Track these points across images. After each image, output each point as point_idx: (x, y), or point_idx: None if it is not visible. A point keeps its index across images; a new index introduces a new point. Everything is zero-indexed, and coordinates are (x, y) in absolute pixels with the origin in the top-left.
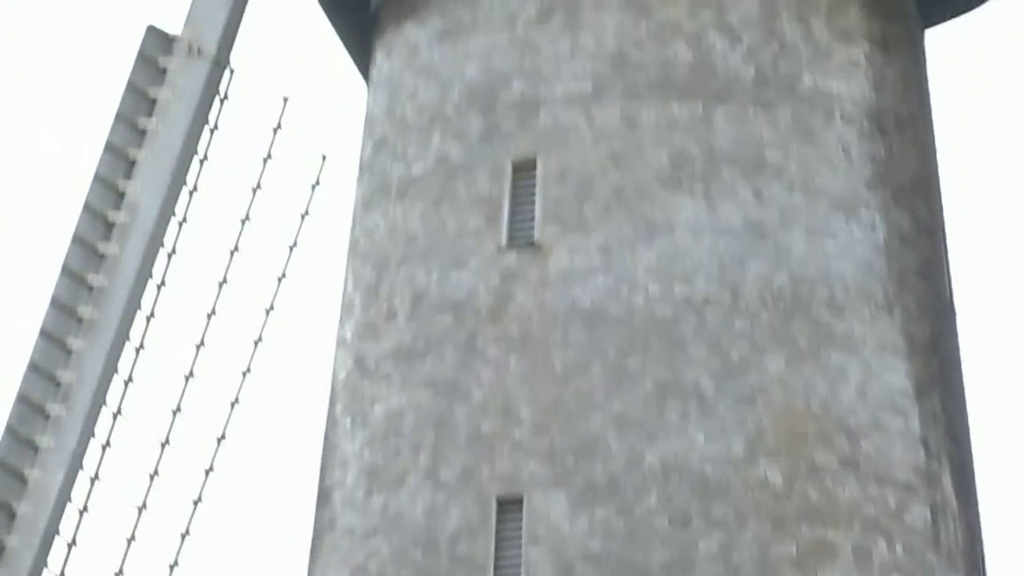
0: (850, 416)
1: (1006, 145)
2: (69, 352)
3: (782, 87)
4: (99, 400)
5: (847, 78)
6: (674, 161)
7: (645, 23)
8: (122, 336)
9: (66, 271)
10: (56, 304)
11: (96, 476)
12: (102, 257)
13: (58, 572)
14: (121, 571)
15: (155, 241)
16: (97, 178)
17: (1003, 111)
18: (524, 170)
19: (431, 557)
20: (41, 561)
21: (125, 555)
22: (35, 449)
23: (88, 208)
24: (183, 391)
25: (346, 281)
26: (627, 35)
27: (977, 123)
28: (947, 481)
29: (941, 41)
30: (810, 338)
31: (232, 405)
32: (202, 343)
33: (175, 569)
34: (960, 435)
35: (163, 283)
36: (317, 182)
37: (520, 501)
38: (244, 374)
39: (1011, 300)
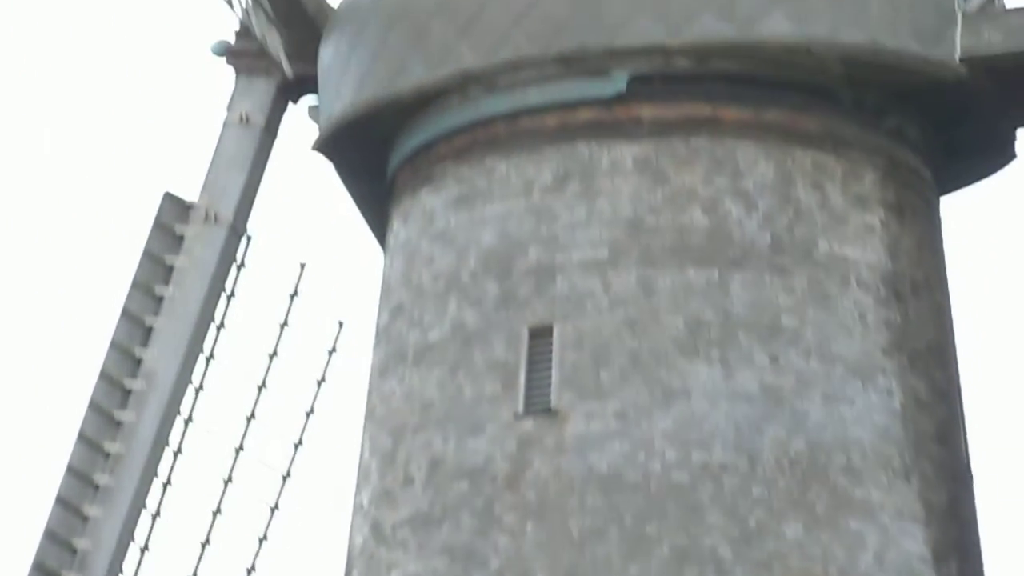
0: None
1: (1022, 309)
2: (85, 519)
3: (798, 253)
4: (115, 568)
5: (863, 244)
6: (690, 327)
7: (661, 190)
8: (138, 503)
9: (82, 438)
10: (72, 471)
11: None
12: (119, 424)
13: None
14: None
15: (172, 408)
16: (114, 345)
17: (1019, 276)
18: (540, 336)
19: None
20: None
21: None
22: None
23: (104, 375)
24: (199, 558)
25: (362, 447)
26: (643, 201)
27: (993, 287)
28: None
29: (957, 207)
30: (828, 504)
31: (248, 572)
32: (219, 510)
33: None
34: None
35: (179, 450)
36: (334, 349)
37: None
38: (260, 541)
39: None
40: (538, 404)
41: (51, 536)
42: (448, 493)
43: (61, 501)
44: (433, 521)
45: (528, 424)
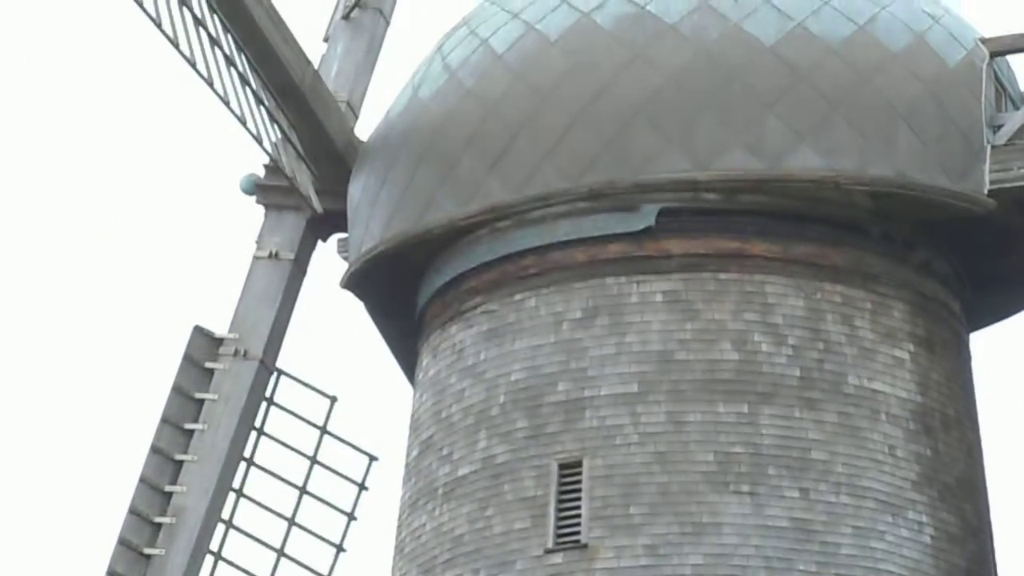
0: None
1: None
2: None
3: (827, 387)
4: None
5: (892, 378)
6: (720, 461)
7: (690, 324)
8: None
9: (112, 574)
10: None
11: None
12: (148, 559)
13: None
14: None
15: (201, 544)
16: (143, 480)
17: None
18: (570, 470)
19: None
20: None
21: None
22: None
23: (133, 511)
24: None
25: None
26: (672, 336)
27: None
28: None
29: (988, 342)
30: None
31: None
32: None
33: None
34: None
35: None
36: (364, 485)
37: None
38: None
39: None
40: (568, 539)
41: None
42: None
43: None
44: None
45: (558, 559)
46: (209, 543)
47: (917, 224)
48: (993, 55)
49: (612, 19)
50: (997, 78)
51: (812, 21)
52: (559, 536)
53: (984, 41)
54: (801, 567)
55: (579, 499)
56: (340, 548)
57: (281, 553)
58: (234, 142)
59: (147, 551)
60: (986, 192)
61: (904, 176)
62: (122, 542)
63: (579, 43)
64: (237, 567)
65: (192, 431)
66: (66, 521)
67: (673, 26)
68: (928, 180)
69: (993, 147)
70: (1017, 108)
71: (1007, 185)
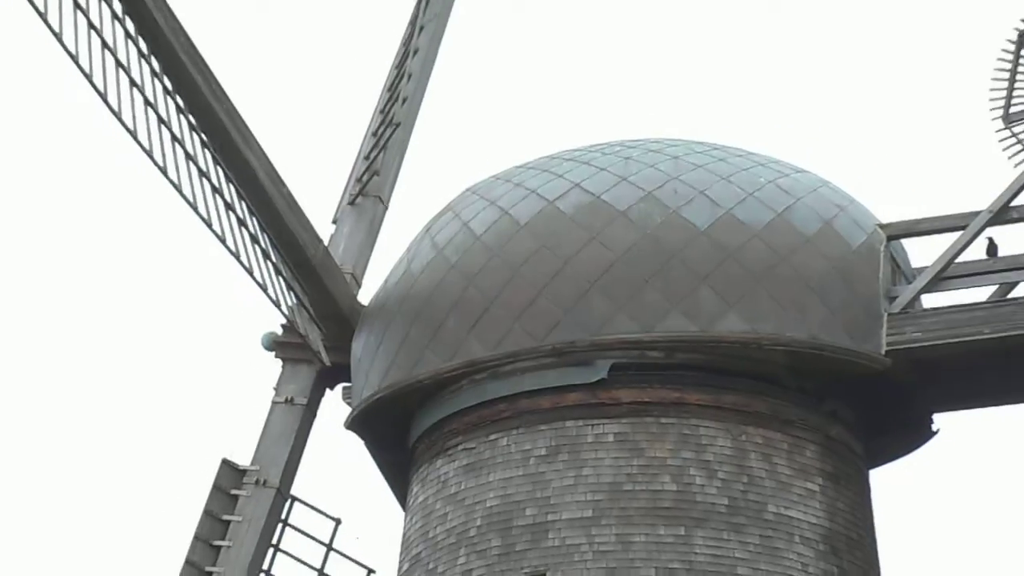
0: None
1: (941, 563)
2: None
3: (751, 514)
4: None
5: (805, 507)
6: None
7: (636, 460)
8: None
9: None
10: None
11: None
12: None
13: None
14: None
15: None
16: None
17: (935, 535)
18: None
19: None
20: None
21: None
22: None
23: None
24: None
25: None
26: (621, 470)
27: (916, 544)
28: None
29: (885, 477)
30: None
31: None
32: None
33: None
34: None
35: None
36: None
37: None
38: None
39: None
40: None
41: None
42: None
43: None
44: None
45: None
46: None
47: (826, 379)
48: (889, 238)
49: (572, 206)
50: (892, 257)
51: (739, 209)
52: None
53: (882, 226)
54: None
55: None
56: None
57: None
58: (256, 304)
59: None
60: (883, 352)
61: (815, 339)
62: None
63: (545, 226)
64: None
65: (220, 547)
66: None
67: (623, 212)
68: (835, 342)
69: (889, 315)
70: (909, 282)
71: (901, 347)
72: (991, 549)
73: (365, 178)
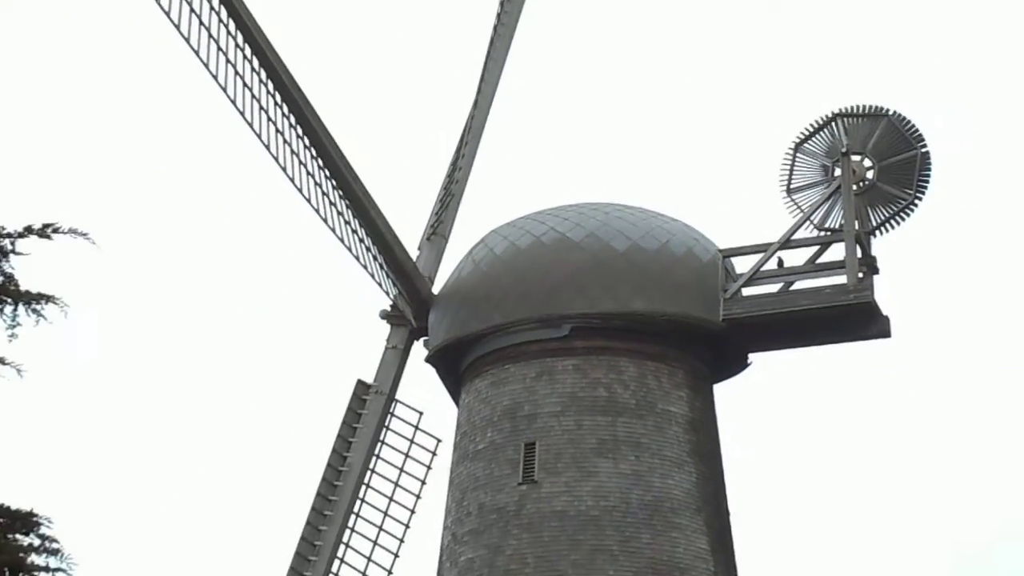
0: None
1: (757, 435)
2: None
3: (648, 409)
4: None
5: (678, 405)
6: (600, 441)
7: (584, 379)
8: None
9: (308, 525)
10: (303, 539)
11: None
12: (326, 516)
13: None
14: None
15: (350, 508)
16: (324, 479)
17: (754, 425)
18: (531, 448)
19: None
20: None
21: None
22: None
23: (320, 495)
24: None
25: (447, 500)
26: (576, 385)
27: (739, 427)
28: None
29: (721, 388)
30: (662, 523)
31: None
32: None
33: None
34: None
35: (354, 526)
36: (435, 451)
37: None
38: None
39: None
40: (529, 478)
41: None
42: (487, 519)
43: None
44: (480, 532)
45: (524, 487)
46: (354, 507)
47: (690, 334)
48: (724, 256)
49: (549, 240)
50: (725, 268)
51: (641, 241)
52: (525, 477)
53: (720, 250)
54: (636, 491)
55: (533, 462)
56: (419, 497)
57: (391, 498)
58: (377, 296)
59: (327, 512)
60: (720, 320)
61: (684, 313)
62: (313, 511)
63: (534, 251)
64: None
65: (351, 442)
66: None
67: (577, 243)
68: (694, 314)
69: (724, 300)
70: (735, 281)
71: (730, 317)
72: (783, 433)
73: (435, 226)
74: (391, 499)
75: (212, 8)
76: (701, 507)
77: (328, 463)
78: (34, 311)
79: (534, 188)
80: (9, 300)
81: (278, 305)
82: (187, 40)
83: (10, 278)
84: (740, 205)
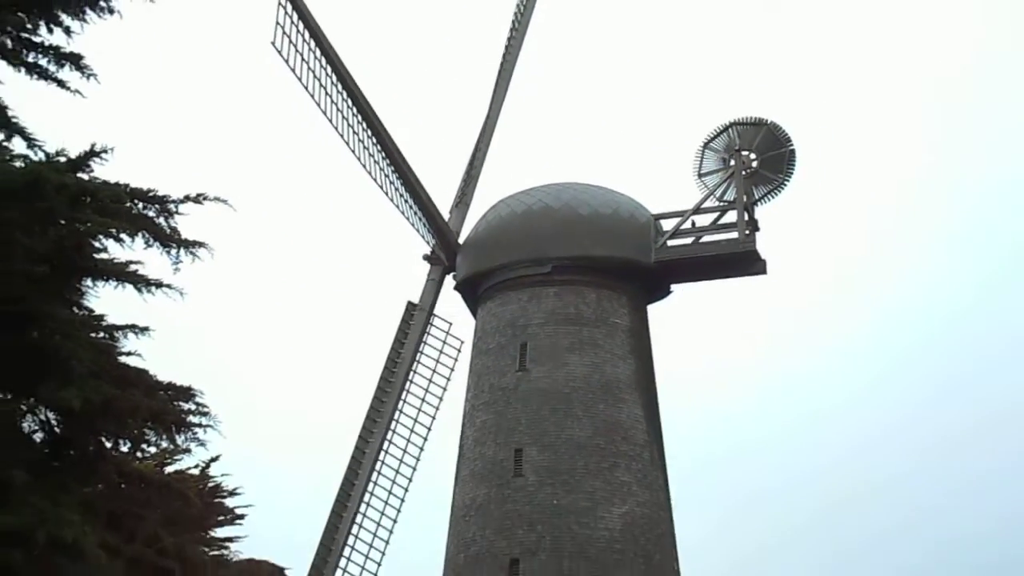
0: None
1: (675, 340)
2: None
3: (603, 321)
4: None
5: (622, 318)
6: (571, 343)
7: (559, 302)
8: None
9: (375, 398)
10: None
11: None
12: (376, 421)
13: None
14: None
15: (404, 383)
16: (385, 368)
17: (673, 333)
18: (524, 347)
19: None
20: None
21: None
22: None
23: (377, 397)
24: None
25: (467, 384)
26: (554, 305)
27: (663, 334)
28: None
29: (652, 308)
30: (611, 399)
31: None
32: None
33: None
34: None
35: (406, 399)
36: (459, 352)
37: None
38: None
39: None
40: (523, 367)
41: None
42: (495, 395)
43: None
44: (490, 403)
45: (520, 373)
46: (398, 404)
47: (632, 271)
48: (655, 218)
49: (538, 207)
50: (656, 226)
51: (599, 208)
52: (520, 366)
53: (653, 214)
54: (596, 376)
55: (526, 353)
56: (446, 389)
57: (426, 390)
58: (421, 244)
59: (377, 420)
60: (652, 261)
61: (627, 257)
62: (368, 416)
63: (527, 215)
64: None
65: (406, 334)
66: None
67: (557, 209)
68: (635, 258)
69: (655, 248)
70: (662, 235)
71: (658, 260)
72: (694, 338)
73: (460, 197)
74: (430, 381)
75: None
76: (636, 387)
77: (388, 357)
78: (191, 253)
79: (529, 170)
80: (174, 245)
81: (360, 255)
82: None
83: (175, 230)
84: (667, 184)
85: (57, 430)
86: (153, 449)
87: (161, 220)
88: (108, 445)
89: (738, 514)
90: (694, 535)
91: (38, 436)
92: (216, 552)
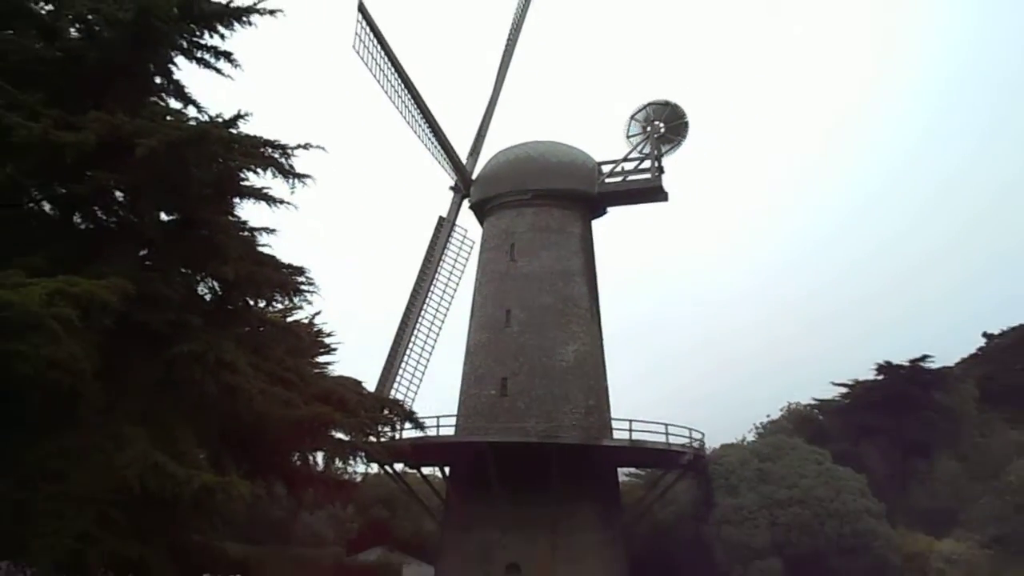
0: None
1: (609, 243)
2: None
3: (566, 230)
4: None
5: (575, 228)
6: (541, 243)
7: (538, 219)
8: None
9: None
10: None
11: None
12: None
13: None
14: None
15: (434, 275)
16: (421, 268)
17: (608, 239)
18: (512, 246)
19: None
20: None
21: None
22: None
23: (417, 289)
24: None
25: (475, 280)
26: (533, 219)
27: (601, 239)
28: None
29: (596, 222)
30: (570, 319)
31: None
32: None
33: None
34: None
35: (433, 283)
36: (471, 249)
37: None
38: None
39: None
40: (512, 259)
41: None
42: (494, 278)
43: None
44: (491, 283)
45: (510, 263)
46: (427, 292)
47: (582, 198)
48: (599, 164)
49: (524, 156)
50: (598, 169)
51: (563, 157)
52: (510, 260)
53: (597, 162)
54: (559, 286)
55: (515, 252)
56: (460, 277)
57: (451, 271)
58: (447, 179)
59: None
60: (596, 192)
61: (579, 188)
62: (411, 302)
63: (516, 161)
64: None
65: (436, 238)
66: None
67: (535, 158)
68: (584, 189)
69: (597, 183)
70: (602, 175)
71: (600, 191)
72: (620, 243)
73: (473, 148)
74: (453, 266)
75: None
76: (583, 273)
77: (426, 251)
78: (301, 181)
79: (518, 131)
80: (291, 176)
81: (405, 189)
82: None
83: (292, 167)
84: (607, 141)
85: (219, 293)
86: (279, 305)
87: (282, 160)
88: (251, 303)
89: (656, 366)
90: (627, 371)
91: (207, 297)
92: (318, 371)
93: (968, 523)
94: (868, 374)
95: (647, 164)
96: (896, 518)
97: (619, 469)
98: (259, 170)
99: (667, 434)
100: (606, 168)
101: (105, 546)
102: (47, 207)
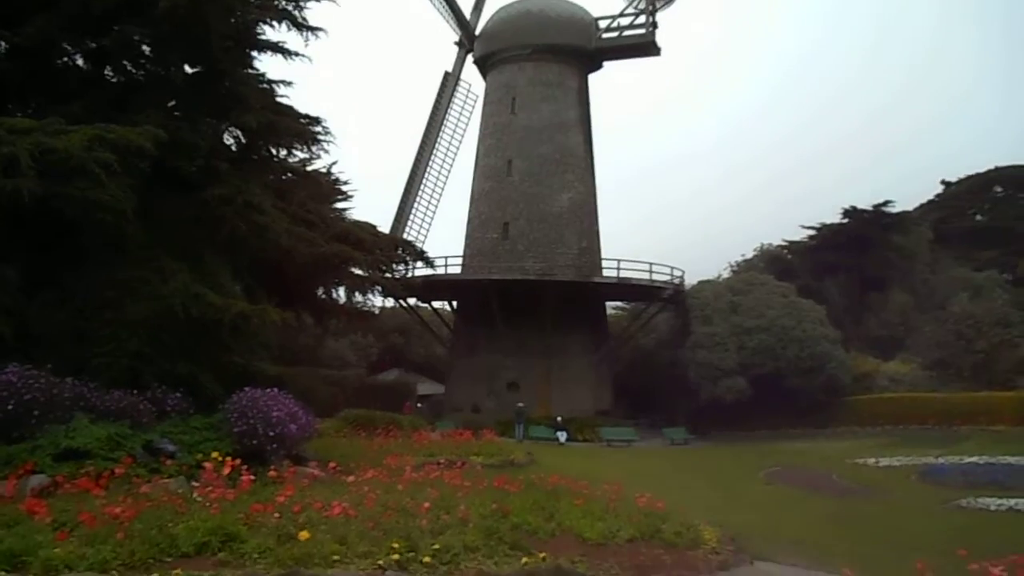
0: None
1: (603, 95)
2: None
3: (560, 84)
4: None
5: (573, 82)
6: (541, 96)
7: (536, 70)
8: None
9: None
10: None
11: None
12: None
13: None
14: None
15: (440, 125)
16: (430, 118)
17: (601, 91)
18: (513, 100)
19: None
20: None
21: None
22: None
23: (427, 138)
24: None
25: (477, 142)
26: (533, 72)
27: (595, 92)
28: None
29: (593, 76)
30: (562, 174)
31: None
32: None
33: None
34: None
35: (440, 134)
36: (475, 103)
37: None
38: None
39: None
40: (513, 111)
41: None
42: (497, 130)
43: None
44: (494, 135)
45: (512, 115)
46: (436, 141)
47: (579, 52)
48: (596, 20)
49: (523, 11)
50: (595, 25)
51: (561, 12)
52: (511, 110)
53: (595, 17)
54: (554, 150)
55: (515, 104)
56: (465, 129)
57: (458, 124)
58: (452, 35)
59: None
60: (593, 47)
61: (576, 44)
62: (422, 147)
63: (517, 16)
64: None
65: (442, 91)
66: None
67: (535, 12)
68: (580, 44)
69: (594, 39)
70: (599, 31)
71: (596, 47)
72: (615, 94)
73: (477, 2)
74: (458, 118)
75: None
76: (579, 124)
77: (434, 103)
78: (315, 34)
79: None
80: (305, 28)
81: (414, 45)
82: None
83: (305, 19)
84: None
85: (243, 140)
86: (299, 155)
87: (295, 12)
88: (273, 152)
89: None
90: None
91: (232, 145)
92: (335, 215)
93: (913, 348)
94: (836, 218)
95: (642, 20)
96: (851, 344)
97: (607, 303)
98: (274, 23)
99: (651, 272)
100: (603, 24)
101: (157, 365)
102: (80, 61)
